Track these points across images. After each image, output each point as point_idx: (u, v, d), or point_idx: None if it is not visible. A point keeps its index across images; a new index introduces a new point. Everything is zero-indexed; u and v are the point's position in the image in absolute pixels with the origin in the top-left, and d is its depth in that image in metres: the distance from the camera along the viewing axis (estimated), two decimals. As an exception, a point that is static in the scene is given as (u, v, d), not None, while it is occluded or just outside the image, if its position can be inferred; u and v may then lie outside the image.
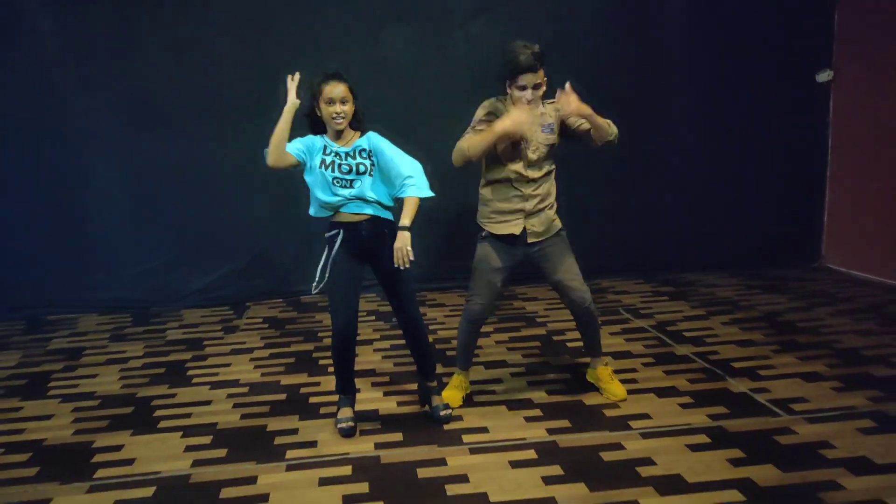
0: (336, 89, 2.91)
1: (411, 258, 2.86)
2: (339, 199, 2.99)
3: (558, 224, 3.27)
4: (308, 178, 3.04)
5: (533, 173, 3.14)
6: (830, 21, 5.62)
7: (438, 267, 5.52)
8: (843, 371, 3.58)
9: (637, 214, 5.69)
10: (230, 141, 5.23)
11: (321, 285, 3.02)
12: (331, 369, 3.82)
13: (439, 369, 3.69)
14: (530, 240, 3.19)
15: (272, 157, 2.94)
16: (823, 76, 5.68)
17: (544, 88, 3.05)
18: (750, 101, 5.63)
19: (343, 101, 2.92)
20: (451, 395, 3.35)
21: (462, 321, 3.35)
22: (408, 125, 4.54)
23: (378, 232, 3.03)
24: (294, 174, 5.20)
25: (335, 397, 3.36)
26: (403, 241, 2.86)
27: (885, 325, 4.26)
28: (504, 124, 2.94)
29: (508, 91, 3.08)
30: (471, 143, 3.02)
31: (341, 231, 3.03)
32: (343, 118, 2.93)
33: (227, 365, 4.04)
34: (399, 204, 2.99)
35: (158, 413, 3.39)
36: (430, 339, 3.61)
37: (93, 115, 5.06)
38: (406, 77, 5.24)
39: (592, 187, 5.39)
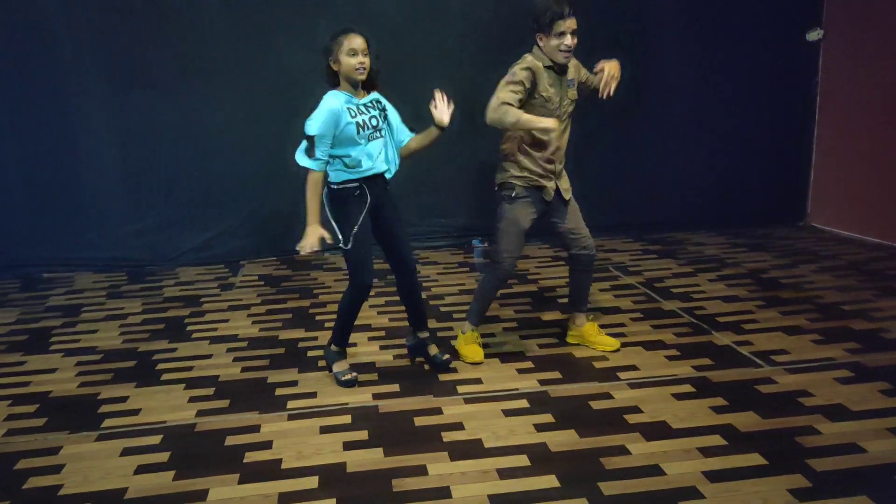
0: (357, 40, 2.92)
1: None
2: (368, 155, 3.01)
3: None
4: (333, 148, 2.98)
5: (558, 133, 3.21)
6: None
7: (431, 226, 5.60)
8: (823, 325, 3.71)
9: (628, 174, 5.75)
10: (221, 99, 5.23)
11: (349, 243, 3.03)
12: (329, 324, 3.93)
13: (435, 324, 3.80)
14: (566, 196, 3.31)
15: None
16: (813, 35, 5.71)
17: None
18: (739, 61, 5.67)
19: (364, 53, 2.94)
20: (474, 350, 3.42)
21: (492, 280, 3.40)
22: (400, 82, 4.54)
23: (386, 186, 3.14)
24: (285, 131, 5.27)
25: (334, 351, 3.48)
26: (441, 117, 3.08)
27: (865, 282, 4.40)
28: (551, 127, 2.98)
29: (541, 43, 3.11)
30: (520, 120, 3.01)
31: (365, 187, 3.05)
32: (365, 69, 2.95)
33: (226, 321, 4.12)
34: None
35: (161, 367, 3.47)
36: (424, 296, 3.70)
37: (83, 74, 5.02)
38: (397, 34, 5.22)
39: (583, 148, 5.36)
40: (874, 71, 5.26)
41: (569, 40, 3.04)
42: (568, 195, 3.32)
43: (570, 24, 3.03)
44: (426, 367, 3.36)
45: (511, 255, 3.30)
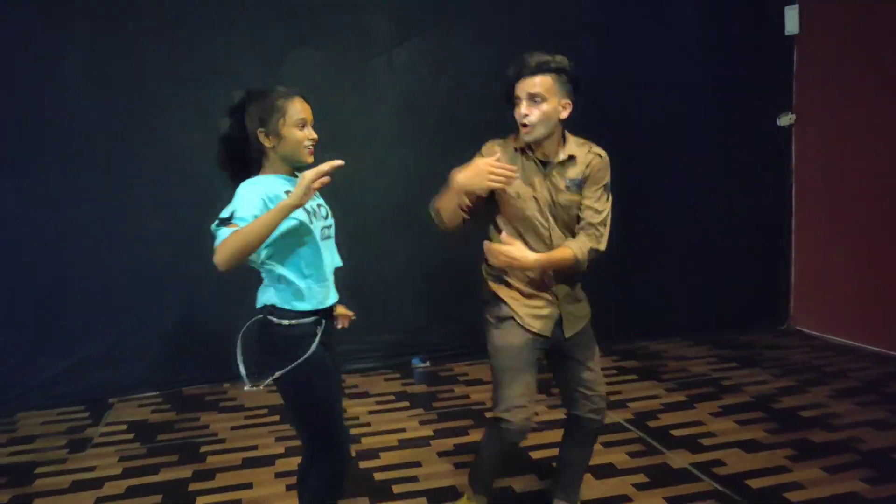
0: (307, 109, 2.05)
1: None
2: (321, 268, 2.06)
3: None
4: (271, 254, 2.01)
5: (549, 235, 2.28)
6: (789, 61, 5.13)
7: (357, 343, 4.47)
8: (886, 490, 2.80)
9: (592, 282, 4.88)
10: (88, 189, 4.08)
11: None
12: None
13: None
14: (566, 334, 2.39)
15: (238, 260, 1.84)
16: (785, 119, 5.16)
17: (550, 110, 2.14)
18: (706, 152, 5.01)
19: (312, 125, 2.03)
20: None
21: (491, 442, 2.40)
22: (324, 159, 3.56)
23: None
24: (172, 227, 4.10)
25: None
26: (346, 316, 2.32)
27: (898, 411, 3.58)
28: (460, 175, 2.05)
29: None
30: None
31: (322, 319, 2.06)
32: (313, 146, 2.03)
33: (60, 512, 2.83)
34: None
35: None
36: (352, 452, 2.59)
37: None
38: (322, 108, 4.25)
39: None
40: (848, 158, 4.71)
41: (524, 108, 2.13)
42: (569, 333, 2.35)
43: (526, 85, 2.13)
44: None
45: (516, 404, 2.25)
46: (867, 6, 4.54)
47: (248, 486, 3.01)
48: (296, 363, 1.96)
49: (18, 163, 3.97)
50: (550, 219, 2.23)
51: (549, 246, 2.24)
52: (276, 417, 3.77)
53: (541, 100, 2.12)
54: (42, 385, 4.09)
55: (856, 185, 4.69)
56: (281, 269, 2.00)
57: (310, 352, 1.98)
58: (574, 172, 2.23)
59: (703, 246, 5.08)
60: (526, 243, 2.19)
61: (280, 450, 3.36)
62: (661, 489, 2.86)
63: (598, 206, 2.23)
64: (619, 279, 4.82)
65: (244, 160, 2.05)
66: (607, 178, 2.25)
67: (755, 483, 2.89)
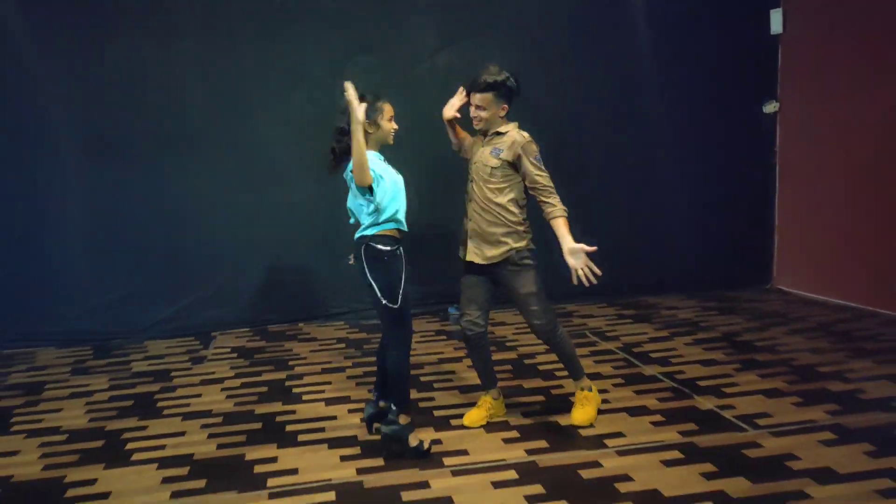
0: (392, 109, 3.15)
1: None
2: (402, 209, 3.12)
3: (516, 249, 3.22)
4: (378, 193, 2.99)
5: (474, 192, 3.27)
6: (774, 53, 5.99)
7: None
8: (801, 387, 3.75)
9: (598, 242, 5.83)
10: (194, 172, 5.22)
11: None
12: (307, 396, 3.84)
13: (415, 394, 3.72)
14: (469, 259, 3.29)
15: (362, 175, 2.88)
16: (769, 107, 6.01)
17: (489, 115, 3.21)
18: (700, 133, 5.91)
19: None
20: (473, 413, 3.44)
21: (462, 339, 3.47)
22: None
23: None
24: (259, 202, 5.26)
25: (315, 425, 3.42)
26: None
27: (836, 343, 4.49)
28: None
29: None
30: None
31: (399, 246, 3.11)
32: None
33: (198, 395, 3.98)
34: None
35: (130, 446, 3.31)
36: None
37: (54, 143, 4.99)
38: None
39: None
40: (827, 140, 5.54)
41: (472, 112, 3.24)
42: (477, 259, 3.24)
43: (474, 99, 3.21)
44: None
45: (463, 311, 3.36)
46: (844, 10, 5.35)
47: (328, 383, 4.12)
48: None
49: (144, 153, 5.11)
50: (472, 173, 3.28)
51: (470, 193, 3.27)
52: (343, 345, 4.87)
53: (482, 109, 3.20)
54: (162, 321, 5.28)
55: (831, 164, 5.52)
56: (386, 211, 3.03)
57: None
58: (500, 144, 3.22)
59: (698, 216, 6.00)
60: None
61: (349, 364, 4.46)
62: (633, 385, 3.87)
63: (538, 174, 3.18)
64: (624, 244, 5.79)
65: (348, 147, 3.03)
66: (535, 153, 3.20)
67: (703, 383, 3.87)
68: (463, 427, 3.39)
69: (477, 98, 3.20)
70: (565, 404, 3.55)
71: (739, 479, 2.76)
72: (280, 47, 5.23)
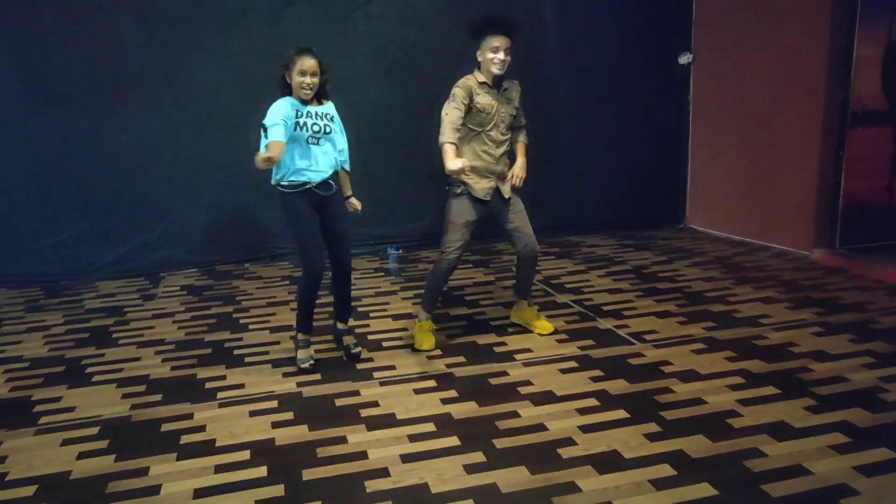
0: (307, 63, 3.29)
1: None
2: (310, 160, 3.37)
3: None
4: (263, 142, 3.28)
5: (501, 137, 3.66)
6: (689, 9, 6.41)
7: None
8: (688, 309, 4.33)
9: (529, 187, 6.30)
10: (136, 115, 5.41)
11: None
12: (253, 327, 4.22)
13: (353, 322, 4.15)
14: (506, 195, 3.72)
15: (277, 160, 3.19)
16: (684, 59, 6.48)
17: (510, 59, 3.49)
18: (623, 83, 6.36)
19: (313, 74, 3.32)
20: (426, 338, 3.79)
21: (436, 270, 3.75)
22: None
23: (334, 187, 3.50)
24: (201, 146, 5.52)
25: (260, 349, 3.80)
26: (355, 206, 3.68)
27: (727, 273, 5.09)
28: (451, 168, 3.28)
29: (479, 58, 3.53)
30: (442, 148, 3.39)
31: (306, 187, 3.39)
32: (310, 90, 3.34)
33: (151, 327, 4.32)
34: None
35: (90, 370, 3.66)
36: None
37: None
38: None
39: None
40: (736, 91, 6.05)
41: (502, 55, 3.47)
42: (507, 194, 3.72)
43: (503, 41, 3.45)
44: (344, 359, 3.70)
45: (454, 247, 3.67)
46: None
47: (273, 314, 4.50)
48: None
49: (86, 97, 5.27)
50: (501, 123, 3.64)
51: (495, 140, 3.63)
52: (287, 282, 5.24)
53: (508, 53, 3.49)
54: (111, 263, 5.54)
55: (733, 109, 6.05)
56: (286, 158, 3.37)
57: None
58: (514, 96, 3.66)
59: (617, 160, 6.51)
60: (479, 140, 3.60)
61: (291, 298, 4.84)
62: (545, 311, 4.37)
63: (522, 115, 3.75)
64: (550, 187, 6.27)
65: (286, 88, 3.38)
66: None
67: (607, 308, 4.41)
68: (393, 348, 3.84)
69: (505, 41, 3.43)
70: (486, 328, 4.04)
71: (619, 381, 3.30)
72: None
